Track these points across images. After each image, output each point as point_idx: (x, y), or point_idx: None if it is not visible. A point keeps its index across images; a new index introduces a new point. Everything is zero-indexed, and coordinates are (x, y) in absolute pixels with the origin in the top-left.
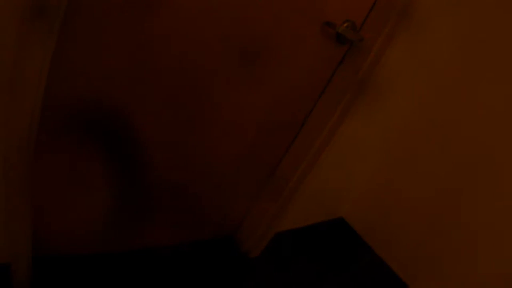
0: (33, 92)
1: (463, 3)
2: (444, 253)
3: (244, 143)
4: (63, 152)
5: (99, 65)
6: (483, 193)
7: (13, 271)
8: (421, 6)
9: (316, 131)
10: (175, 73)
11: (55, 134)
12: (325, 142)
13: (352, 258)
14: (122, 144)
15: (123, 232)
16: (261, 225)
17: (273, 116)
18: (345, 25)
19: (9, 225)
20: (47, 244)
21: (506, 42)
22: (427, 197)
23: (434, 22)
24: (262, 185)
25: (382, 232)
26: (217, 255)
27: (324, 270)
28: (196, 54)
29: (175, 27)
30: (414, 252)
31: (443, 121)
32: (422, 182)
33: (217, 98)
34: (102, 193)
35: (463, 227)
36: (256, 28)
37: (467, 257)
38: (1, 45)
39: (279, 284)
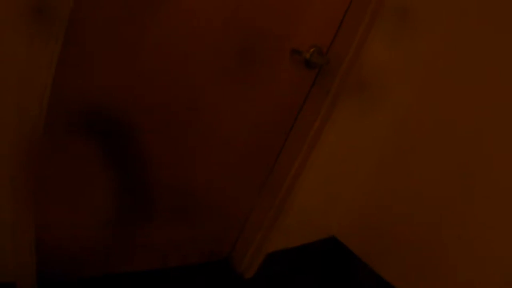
0: (40, 95)
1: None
2: (443, 267)
3: (229, 167)
4: (66, 164)
5: (102, 70)
6: (480, 204)
7: None
8: (393, 15)
9: (295, 151)
10: (172, 84)
11: (58, 146)
12: (303, 164)
13: (348, 276)
14: (121, 160)
15: (118, 254)
16: (252, 246)
17: (254, 139)
18: (312, 50)
19: (16, 242)
20: (51, 266)
21: (496, 39)
22: (420, 210)
23: (409, 29)
24: (251, 204)
25: (377, 248)
26: (214, 277)
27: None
28: (190, 64)
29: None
30: (411, 265)
31: (431, 130)
32: (414, 195)
33: (201, 124)
34: (101, 212)
35: (459, 240)
36: (232, 56)
37: (464, 270)
38: (10, 45)
39: None
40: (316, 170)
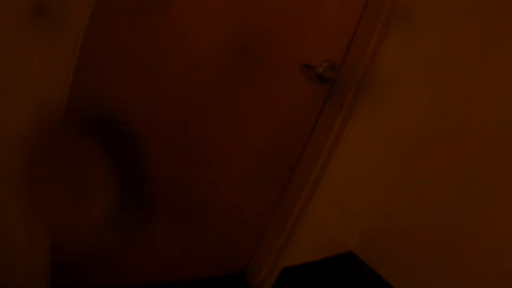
0: (58, 97)
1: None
2: (461, 280)
3: (243, 180)
4: (77, 168)
5: (112, 74)
6: (495, 218)
7: None
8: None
9: (310, 166)
10: (183, 93)
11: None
12: (319, 178)
13: None
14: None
15: (127, 263)
16: (268, 260)
17: (269, 153)
18: (324, 65)
19: (30, 251)
20: (60, 274)
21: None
22: (438, 224)
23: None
24: (268, 218)
25: (395, 262)
26: None
27: None
28: (199, 73)
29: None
30: (430, 280)
31: (447, 140)
32: (431, 208)
33: (213, 136)
34: (108, 219)
35: (480, 256)
36: (242, 68)
37: (485, 283)
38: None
39: None
40: (332, 184)
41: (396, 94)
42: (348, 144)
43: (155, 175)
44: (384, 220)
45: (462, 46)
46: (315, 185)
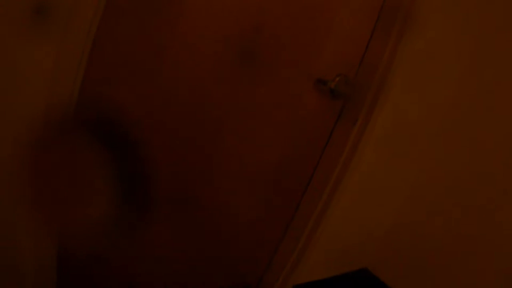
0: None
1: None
2: None
3: (256, 195)
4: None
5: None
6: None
7: None
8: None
9: (324, 183)
10: (192, 104)
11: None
12: (332, 193)
13: None
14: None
15: (137, 275)
16: (280, 276)
17: (282, 170)
18: (337, 79)
19: (36, 252)
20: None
21: None
22: (454, 242)
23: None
24: (281, 234)
25: (411, 280)
26: None
27: None
28: (207, 83)
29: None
30: None
31: (461, 163)
32: (450, 227)
33: (226, 150)
34: (109, 226)
35: (498, 275)
36: (252, 84)
37: None
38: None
39: None
40: (346, 200)
41: (412, 107)
42: (362, 161)
43: (164, 185)
44: (401, 237)
45: (483, 53)
46: (329, 202)
